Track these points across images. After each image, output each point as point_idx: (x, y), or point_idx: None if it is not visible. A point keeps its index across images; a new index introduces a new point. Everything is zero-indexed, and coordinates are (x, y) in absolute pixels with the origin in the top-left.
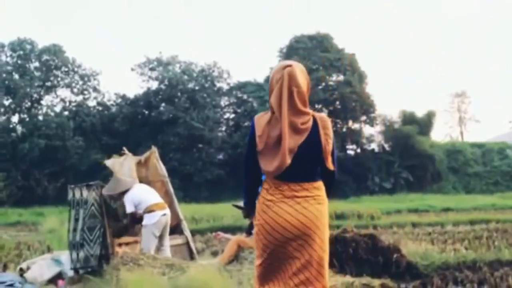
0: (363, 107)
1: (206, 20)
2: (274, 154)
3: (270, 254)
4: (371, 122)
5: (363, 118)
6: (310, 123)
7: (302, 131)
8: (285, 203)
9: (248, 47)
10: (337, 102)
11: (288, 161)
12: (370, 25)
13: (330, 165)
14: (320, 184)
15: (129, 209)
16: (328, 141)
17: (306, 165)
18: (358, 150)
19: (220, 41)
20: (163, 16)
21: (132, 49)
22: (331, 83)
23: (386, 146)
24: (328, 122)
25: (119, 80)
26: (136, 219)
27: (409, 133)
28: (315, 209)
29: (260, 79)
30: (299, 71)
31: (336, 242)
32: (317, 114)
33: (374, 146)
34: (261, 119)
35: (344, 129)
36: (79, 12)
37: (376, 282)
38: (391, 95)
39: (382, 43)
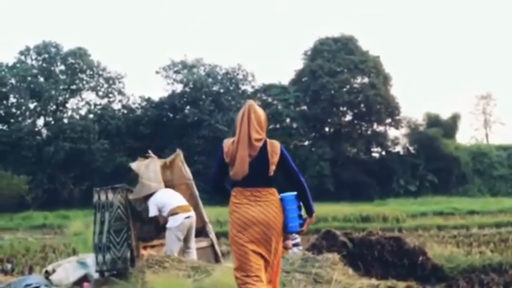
0: (388, 110)
1: (231, 22)
2: (234, 164)
3: (239, 242)
4: (396, 124)
5: (388, 120)
6: (262, 143)
7: (255, 146)
8: (250, 205)
9: (272, 50)
10: (362, 105)
11: (246, 167)
12: (395, 27)
13: (272, 173)
14: (274, 190)
15: (152, 212)
16: (274, 159)
17: (260, 175)
18: (383, 153)
19: (245, 43)
20: (188, 18)
21: (157, 52)
22: (355, 85)
23: (411, 148)
24: (277, 145)
25: (144, 83)
26: (159, 225)
27: (434, 135)
28: (273, 211)
29: (285, 82)
30: (257, 106)
31: (362, 244)
32: (269, 140)
33: (399, 148)
34: (228, 141)
35: (369, 132)
36: (104, 15)
37: (402, 284)
38: (416, 98)
39: (407, 45)
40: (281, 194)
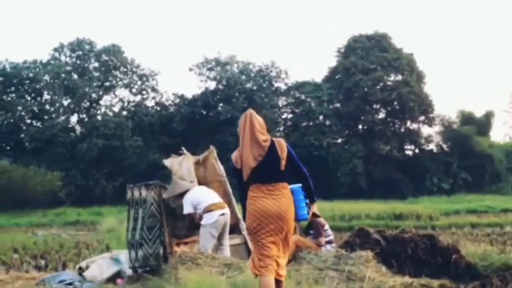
0: (422, 107)
1: (264, 19)
2: (242, 165)
3: (256, 231)
4: (429, 122)
5: (422, 118)
6: (269, 143)
7: (262, 146)
8: (265, 198)
9: (306, 47)
10: (395, 102)
11: (252, 164)
12: (428, 24)
13: (283, 168)
14: (286, 184)
15: (187, 209)
16: (283, 155)
17: (273, 171)
18: (417, 151)
19: (278, 40)
20: (221, 15)
21: (191, 49)
22: (389, 83)
23: (444, 146)
24: (283, 143)
25: (178, 80)
26: (193, 223)
27: (468, 133)
28: (285, 203)
29: (318, 79)
30: (255, 113)
31: (395, 242)
32: (275, 138)
33: (432, 146)
34: (235, 153)
35: (402, 130)
36: (137, 12)
37: (435, 282)
38: (449, 95)
39: (440, 42)
40: (290, 186)
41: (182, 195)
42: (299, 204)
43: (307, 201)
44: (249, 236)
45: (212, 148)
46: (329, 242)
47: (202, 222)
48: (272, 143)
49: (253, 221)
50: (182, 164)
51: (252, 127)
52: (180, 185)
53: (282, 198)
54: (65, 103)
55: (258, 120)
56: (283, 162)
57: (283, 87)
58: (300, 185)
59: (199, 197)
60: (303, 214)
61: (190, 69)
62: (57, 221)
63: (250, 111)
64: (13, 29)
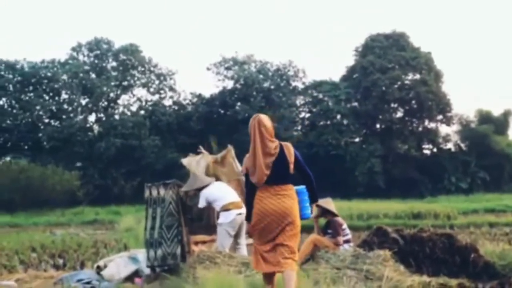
0: (439, 106)
1: (282, 18)
2: (255, 172)
3: (261, 230)
4: (447, 121)
5: (440, 117)
6: (278, 149)
7: (273, 154)
8: (271, 198)
9: (324, 46)
10: (413, 101)
11: (266, 172)
12: (446, 23)
13: (292, 171)
14: (291, 186)
15: (201, 204)
16: (291, 159)
17: (280, 174)
18: (435, 150)
19: (296, 39)
20: (238, 15)
21: (208, 48)
22: (407, 82)
23: (462, 145)
24: (291, 147)
25: (195, 79)
26: (210, 220)
27: (486, 132)
28: (290, 203)
29: (336, 78)
30: (265, 117)
31: (413, 241)
32: (283, 143)
33: (450, 145)
34: (246, 159)
35: (420, 129)
36: (155, 12)
37: (453, 282)
38: (467, 94)
39: (458, 41)
40: (295, 187)
41: (200, 190)
42: (303, 204)
43: (310, 201)
44: (253, 233)
45: (230, 147)
46: (347, 241)
47: (219, 221)
48: (281, 147)
49: (258, 219)
50: (200, 163)
51: (262, 137)
52: (200, 179)
53: (287, 198)
54: (83, 102)
55: (267, 127)
56: (291, 166)
57: (300, 86)
58: (304, 186)
59: (217, 194)
60: (307, 213)
61: (208, 69)
62: (75, 220)
63: (258, 118)
64: (31, 28)
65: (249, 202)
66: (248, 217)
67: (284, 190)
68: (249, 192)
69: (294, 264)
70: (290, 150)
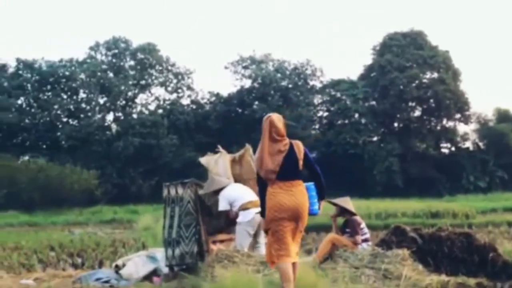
0: (458, 105)
1: (299, 17)
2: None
3: (275, 223)
4: (465, 120)
5: (458, 116)
6: (288, 146)
7: (282, 151)
8: (284, 193)
9: (341, 45)
10: (431, 100)
11: (272, 168)
12: (464, 22)
13: (301, 168)
14: (301, 181)
15: (222, 206)
16: (300, 156)
17: (290, 170)
18: (453, 149)
19: (313, 38)
20: (256, 14)
21: (226, 47)
22: (425, 80)
23: (480, 144)
24: (301, 145)
25: (213, 78)
26: (229, 219)
27: (504, 131)
28: (302, 200)
29: (354, 77)
30: (276, 118)
31: (431, 240)
32: (293, 141)
33: (468, 144)
34: (257, 156)
35: (438, 127)
36: (173, 11)
37: (472, 281)
38: (485, 93)
39: (476, 39)
40: (304, 184)
41: (218, 192)
42: (312, 200)
43: (318, 197)
44: (268, 228)
45: (248, 146)
46: (365, 240)
47: (238, 220)
48: (291, 145)
49: (272, 214)
50: (218, 162)
51: (271, 137)
52: (217, 181)
53: (298, 194)
54: (101, 101)
55: (277, 128)
56: (301, 162)
57: (318, 85)
58: (313, 183)
59: (236, 194)
60: (315, 209)
61: (226, 67)
62: (93, 219)
63: (270, 119)
64: (49, 28)
65: (262, 198)
66: (263, 213)
67: (295, 186)
68: (261, 189)
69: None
70: (300, 148)
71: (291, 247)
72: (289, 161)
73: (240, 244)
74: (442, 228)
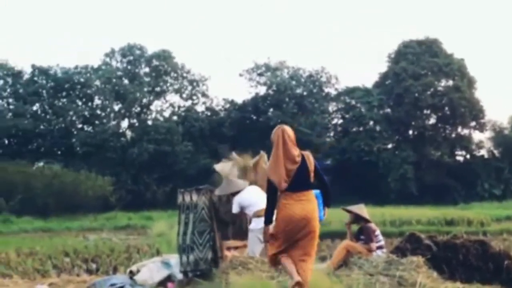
0: (473, 113)
1: (314, 25)
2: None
3: (286, 234)
4: (480, 128)
5: (473, 124)
6: (300, 157)
7: (297, 162)
8: (295, 204)
9: (356, 52)
10: (446, 108)
11: (286, 178)
12: (479, 29)
13: (312, 179)
14: (311, 192)
15: (235, 209)
16: (311, 167)
17: (302, 181)
18: (468, 156)
19: (328, 46)
20: (271, 21)
21: (241, 54)
22: (440, 88)
23: (495, 152)
24: (310, 156)
25: (228, 85)
26: (243, 226)
27: None
28: (312, 208)
29: (369, 85)
30: (288, 128)
31: (446, 248)
32: (303, 152)
33: (483, 152)
34: (269, 167)
35: (453, 135)
36: (188, 18)
37: None
38: (501, 100)
39: (492, 47)
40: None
41: (234, 195)
42: (319, 207)
43: (324, 205)
44: (277, 237)
45: (262, 153)
46: (380, 248)
47: (251, 227)
48: (303, 157)
49: (284, 225)
50: (233, 169)
51: (285, 144)
52: (234, 184)
53: (308, 203)
54: (116, 108)
55: (290, 136)
56: (312, 174)
57: (333, 92)
58: (319, 191)
59: (250, 200)
60: (321, 216)
61: (240, 75)
62: (108, 225)
63: (282, 127)
64: (64, 34)
65: (269, 206)
66: (267, 221)
67: (306, 195)
68: (270, 197)
69: (310, 264)
70: (310, 159)
71: (292, 253)
72: (301, 172)
73: (252, 250)
74: (457, 236)
